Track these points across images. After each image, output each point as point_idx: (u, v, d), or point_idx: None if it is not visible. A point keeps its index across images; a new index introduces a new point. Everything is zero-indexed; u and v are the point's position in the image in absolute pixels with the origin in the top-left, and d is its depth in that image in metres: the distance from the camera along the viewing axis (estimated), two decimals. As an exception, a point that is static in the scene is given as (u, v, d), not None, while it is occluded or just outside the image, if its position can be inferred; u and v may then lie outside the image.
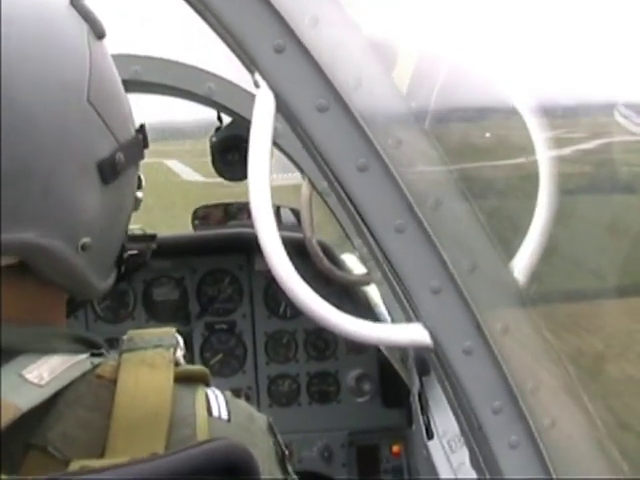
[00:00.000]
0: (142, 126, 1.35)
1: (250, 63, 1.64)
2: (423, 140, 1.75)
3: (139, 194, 1.38)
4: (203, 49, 1.74)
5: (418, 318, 1.72)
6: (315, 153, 1.67)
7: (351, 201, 1.68)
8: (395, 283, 1.73)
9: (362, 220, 1.69)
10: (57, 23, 1.22)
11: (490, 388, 1.74)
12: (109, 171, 1.23)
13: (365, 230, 1.70)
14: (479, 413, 1.75)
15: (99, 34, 1.27)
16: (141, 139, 1.34)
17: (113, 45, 1.33)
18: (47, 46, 1.19)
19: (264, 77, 1.63)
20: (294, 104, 1.64)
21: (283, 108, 1.65)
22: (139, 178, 1.37)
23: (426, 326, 1.71)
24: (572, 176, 2.53)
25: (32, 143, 1.15)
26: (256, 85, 1.65)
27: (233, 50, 1.66)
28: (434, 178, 1.77)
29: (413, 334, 1.72)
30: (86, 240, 1.22)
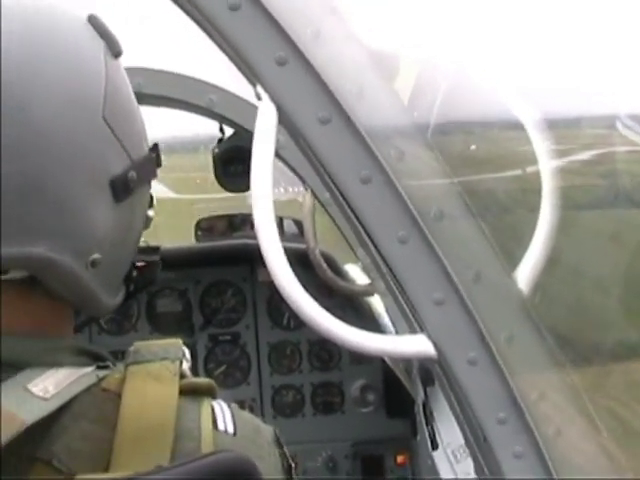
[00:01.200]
0: (155, 145, 1.36)
1: (252, 76, 1.64)
2: (426, 152, 1.76)
3: (150, 212, 1.38)
4: (204, 49, 1.73)
5: (422, 329, 1.72)
6: (318, 165, 1.67)
7: (354, 213, 1.68)
8: (399, 294, 1.73)
9: (365, 231, 1.69)
10: (74, 40, 1.23)
11: (495, 399, 1.74)
12: (121, 189, 1.24)
13: (368, 241, 1.70)
14: (484, 424, 1.75)
15: (116, 52, 1.28)
16: (154, 157, 1.34)
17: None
18: (63, 63, 1.20)
19: (266, 90, 1.63)
20: (296, 116, 1.65)
21: (285, 120, 1.65)
22: (150, 196, 1.37)
23: (430, 337, 1.71)
24: (575, 188, 2.53)
25: (46, 158, 1.16)
26: (258, 97, 1.65)
27: (235, 63, 1.66)
28: (437, 189, 1.77)
29: (417, 345, 1.72)
30: (96, 256, 1.23)
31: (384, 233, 1.68)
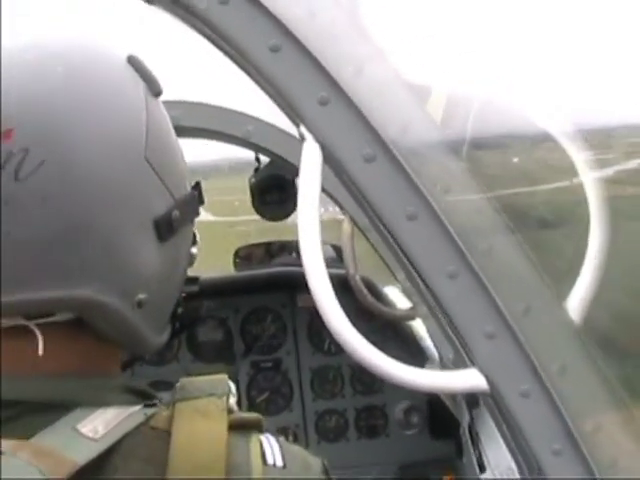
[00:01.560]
0: (198, 183, 1.36)
1: (295, 116, 1.64)
2: (471, 185, 1.75)
3: (194, 250, 1.38)
4: (238, 80, 1.74)
5: (473, 363, 1.71)
6: (363, 202, 1.67)
7: (401, 249, 1.68)
8: (448, 328, 1.72)
9: (413, 267, 1.68)
10: (115, 81, 1.24)
11: (549, 430, 1.73)
12: (165, 228, 1.25)
13: (417, 277, 1.69)
14: (539, 455, 1.73)
15: (156, 92, 1.29)
16: (197, 195, 1.35)
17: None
18: (106, 105, 1.21)
19: (310, 130, 1.63)
20: (341, 155, 1.65)
21: (330, 159, 1.65)
22: (194, 234, 1.37)
23: (482, 371, 1.70)
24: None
25: (91, 201, 1.17)
26: (302, 137, 1.65)
27: (277, 103, 1.67)
28: (484, 222, 1.76)
29: (469, 380, 1.71)
30: (142, 296, 1.23)
31: (433, 269, 1.68)
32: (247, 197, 3.64)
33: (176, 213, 1.26)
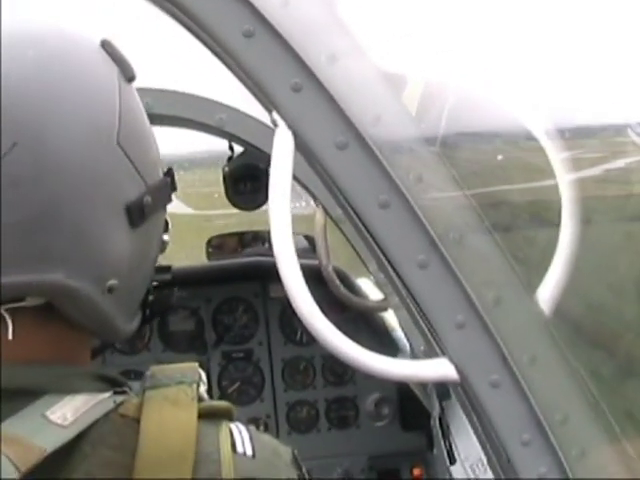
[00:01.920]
0: (170, 169, 1.36)
1: (268, 102, 1.63)
2: (444, 175, 1.74)
3: (165, 237, 1.38)
4: (211, 68, 1.73)
5: (444, 353, 1.71)
6: (335, 190, 1.67)
7: (373, 238, 1.67)
8: (419, 317, 1.72)
9: (384, 256, 1.68)
10: (88, 66, 1.24)
11: (518, 421, 1.73)
12: (137, 214, 1.24)
13: (388, 266, 1.69)
14: (508, 446, 1.73)
15: (129, 77, 1.28)
16: (169, 182, 1.34)
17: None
18: (78, 90, 1.20)
19: (282, 116, 1.62)
20: (313, 142, 1.64)
21: (302, 146, 1.64)
22: (166, 221, 1.37)
23: (452, 361, 1.70)
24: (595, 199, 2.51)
25: (63, 186, 1.16)
26: (274, 124, 1.64)
27: (250, 89, 1.66)
28: (456, 211, 1.75)
29: (439, 370, 1.71)
30: (113, 282, 1.23)
31: (403, 258, 1.67)
32: (226, 188, 3.63)
33: (148, 199, 1.26)
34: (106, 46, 1.27)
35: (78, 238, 1.18)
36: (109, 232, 1.21)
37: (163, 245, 1.38)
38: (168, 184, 1.34)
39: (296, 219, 1.63)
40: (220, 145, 3.52)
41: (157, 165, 1.33)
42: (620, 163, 2.79)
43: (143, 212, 1.25)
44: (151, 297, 1.40)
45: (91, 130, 1.19)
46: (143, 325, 1.39)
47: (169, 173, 1.35)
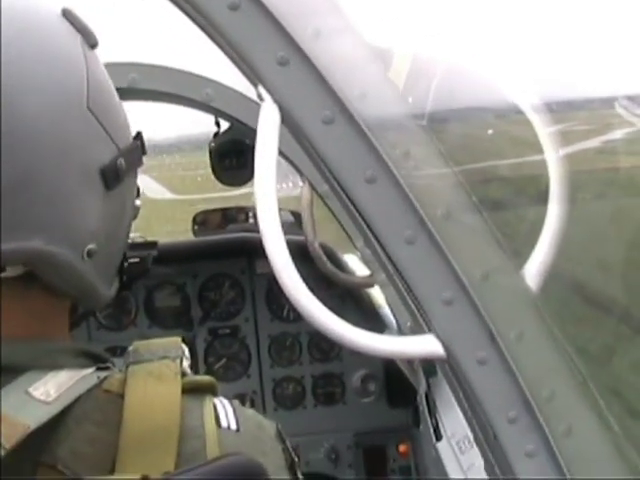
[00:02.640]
0: (139, 133, 1.37)
1: (254, 76, 1.61)
2: (431, 150, 1.73)
3: (137, 202, 1.39)
4: (198, 42, 1.71)
5: (430, 329, 1.70)
6: (322, 165, 1.65)
7: (360, 213, 1.66)
8: (406, 294, 1.71)
9: (371, 232, 1.66)
10: (53, 36, 1.24)
11: (505, 398, 1.72)
12: (112, 177, 1.25)
13: (375, 242, 1.67)
14: (494, 423, 1.73)
15: (92, 43, 1.29)
16: (139, 145, 1.35)
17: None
18: (46, 59, 1.20)
19: (268, 90, 1.61)
20: (299, 117, 1.62)
21: (288, 121, 1.62)
22: (137, 187, 1.39)
23: (439, 337, 1.69)
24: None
25: (36, 152, 1.16)
26: (260, 98, 1.62)
27: (236, 63, 1.64)
28: (443, 188, 1.74)
29: (426, 346, 1.70)
30: (92, 247, 1.23)
31: (391, 233, 1.66)
32: (209, 172, 3.62)
33: (121, 162, 1.27)
34: (67, 15, 1.28)
35: (55, 204, 1.18)
36: (85, 197, 1.22)
37: (136, 210, 1.39)
38: (139, 147, 1.35)
39: (283, 201, 1.61)
40: (200, 128, 3.50)
41: (127, 129, 1.34)
42: (608, 136, 2.78)
43: (118, 175, 1.26)
44: (126, 263, 1.40)
45: (61, 97, 1.20)
46: (121, 291, 1.40)
47: (138, 136, 1.36)
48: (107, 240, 1.27)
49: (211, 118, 3.42)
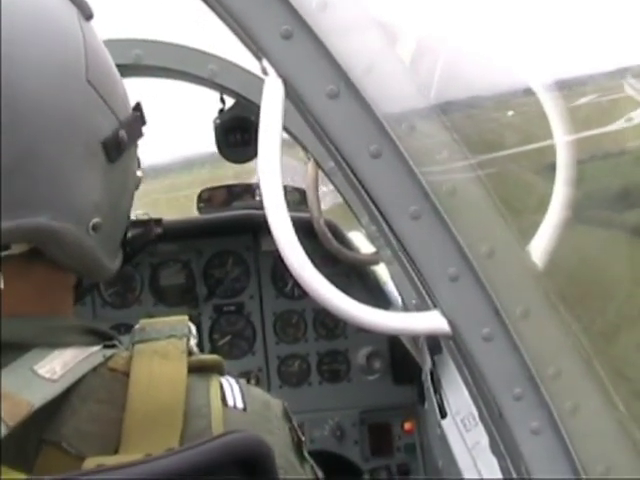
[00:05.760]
0: (138, 104, 1.37)
1: (257, 50, 1.60)
2: (437, 125, 1.71)
3: (139, 173, 1.39)
4: (203, 18, 1.70)
5: (436, 306, 1.69)
6: (326, 140, 1.64)
7: (364, 188, 1.64)
8: (411, 270, 1.70)
9: (376, 207, 1.65)
10: (48, 8, 1.23)
11: (510, 375, 1.71)
12: (114, 149, 1.25)
13: (380, 217, 1.66)
14: (500, 400, 1.72)
15: (87, 15, 1.29)
16: (139, 116, 1.35)
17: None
18: (43, 32, 1.19)
19: (272, 64, 1.59)
20: (304, 91, 1.61)
21: (293, 95, 1.61)
22: (138, 158, 1.38)
23: (444, 314, 1.68)
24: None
25: (37, 128, 1.15)
26: (264, 72, 1.61)
27: (239, 37, 1.62)
28: (449, 163, 1.73)
29: (431, 322, 1.69)
30: (96, 220, 1.23)
31: (396, 208, 1.65)
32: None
33: (122, 133, 1.27)
34: None
35: (59, 179, 1.18)
36: (88, 170, 1.21)
37: (138, 181, 1.39)
38: (139, 118, 1.35)
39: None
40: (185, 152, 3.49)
41: (126, 100, 1.34)
42: (615, 117, 2.76)
43: (119, 147, 1.26)
44: (129, 235, 1.40)
45: (60, 70, 1.19)
46: (125, 263, 1.39)
47: (138, 108, 1.36)
48: (111, 213, 1.27)
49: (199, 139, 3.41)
